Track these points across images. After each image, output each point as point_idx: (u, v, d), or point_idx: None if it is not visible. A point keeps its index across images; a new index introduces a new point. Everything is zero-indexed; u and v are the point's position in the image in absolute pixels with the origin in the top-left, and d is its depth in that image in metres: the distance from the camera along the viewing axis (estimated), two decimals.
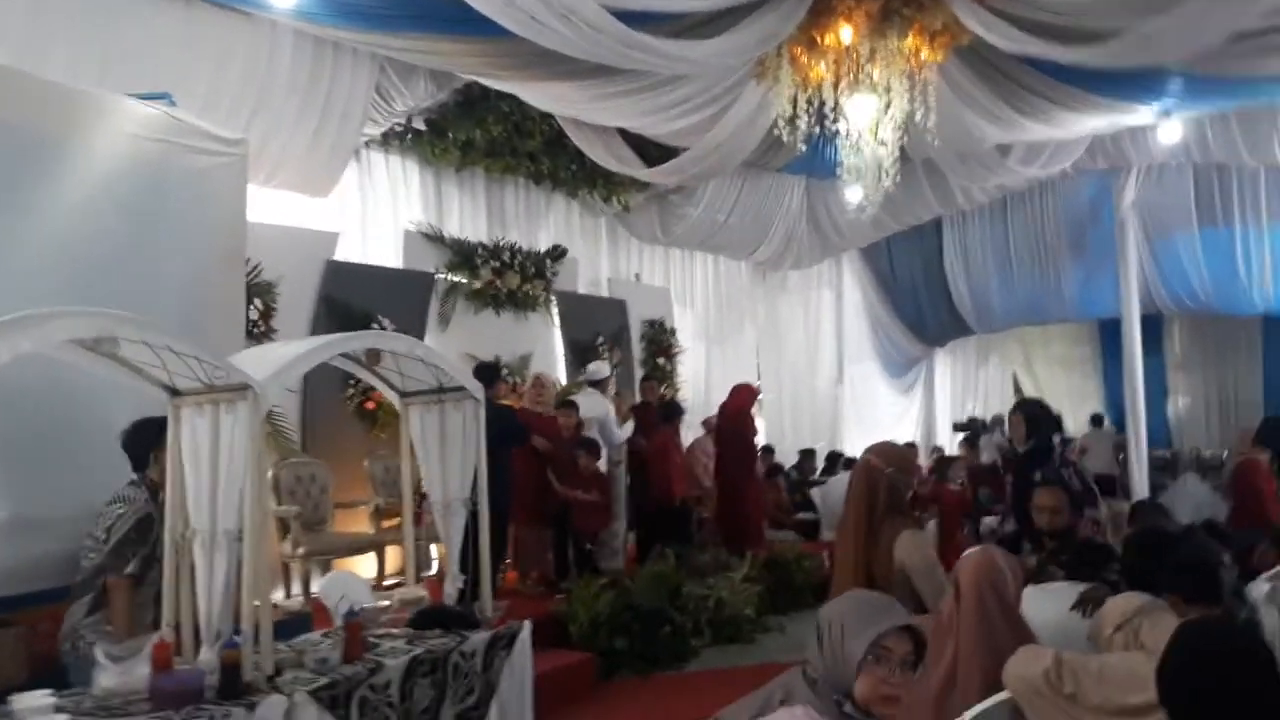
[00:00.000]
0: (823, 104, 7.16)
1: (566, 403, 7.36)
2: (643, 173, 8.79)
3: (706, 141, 8.21)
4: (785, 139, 7.47)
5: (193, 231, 4.57)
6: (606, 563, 7.34)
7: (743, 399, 8.61)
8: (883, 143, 7.39)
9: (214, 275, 4.72)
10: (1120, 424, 12.20)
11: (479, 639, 3.93)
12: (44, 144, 4.00)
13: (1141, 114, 8.76)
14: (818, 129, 7.41)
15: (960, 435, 11.99)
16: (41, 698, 2.90)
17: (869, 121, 7.24)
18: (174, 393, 3.47)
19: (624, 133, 8.31)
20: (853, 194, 9.15)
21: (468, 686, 3.80)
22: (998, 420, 11.33)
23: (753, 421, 8.76)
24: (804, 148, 7.80)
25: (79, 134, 4.14)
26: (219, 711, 2.95)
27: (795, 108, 7.29)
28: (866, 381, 14.30)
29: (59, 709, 2.85)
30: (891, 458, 3.50)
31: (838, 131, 7.38)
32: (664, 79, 7.03)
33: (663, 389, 9.87)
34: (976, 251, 13.07)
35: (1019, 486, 5.15)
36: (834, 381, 13.87)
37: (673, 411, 8.67)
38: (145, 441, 3.70)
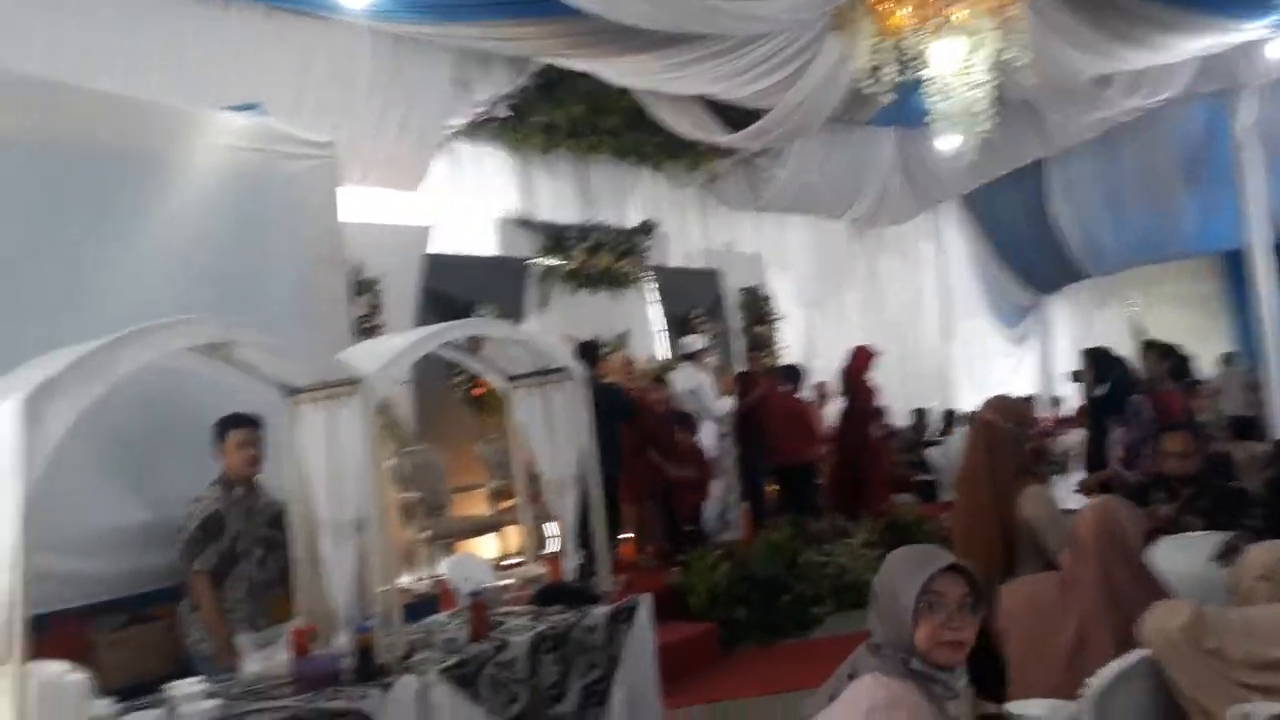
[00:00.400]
0: (907, 51, 6.92)
1: (657, 378, 7.39)
2: (725, 138, 8.68)
3: (788, 100, 8.05)
4: (870, 91, 7.26)
5: (291, 235, 4.73)
6: (719, 534, 7.36)
7: (862, 361, 8.59)
8: (974, 86, 7.11)
9: (315, 275, 4.87)
10: (1254, 362, 11.53)
11: (600, 613, 3.97)
12: (148, 163, 4.20)
13: (1251, 30, 8.20)
14: (903, 77, 7.18)
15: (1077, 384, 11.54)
16: (194, 684, 3.06)
17: (957, 65, 6.97)
18: (290, 391, 3.60)
19: (704, 100, 8.22)
20: (946, 141, 8.85)
21: (591, 661, 3.85)
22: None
23: (872, 384, 8.67)
24: (891, 97, 7.56)
25: (179, 150, 4.33)
26: (356, 693, 3.06)
27: (877, 57, 7.07)
28: (977, 335, 13.87)
29: (211, 694, 3.00)
30: (1008, 412, 3.40)
31: (924, 78, 7.13)
32: (739, 41, 6.91)
33: (763, 357, 9.79)
34: (1084, 190, 12.45)
35: (1093, 434, 4.90)
36: (942, 337, 13.50)
37: (793, 373, 8.66)
38: (216, 436, 3.84)
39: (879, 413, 9.16)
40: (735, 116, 8.60)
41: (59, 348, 2.78)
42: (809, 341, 11.31)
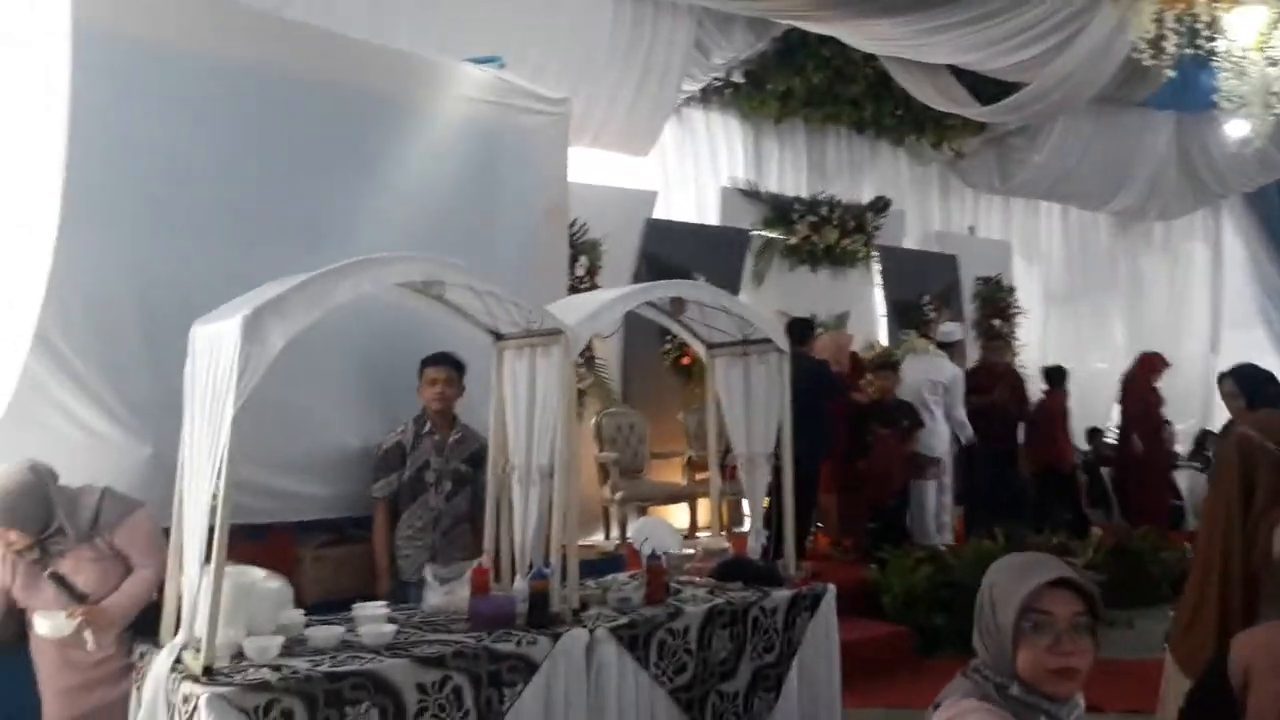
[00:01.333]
0: (1196, 20, 6.13)
1: (886, 364, 7.02)
2: (977, 112, 8.12)
3: (1051, 74, 7.39)
4: (1148, 65, 6.51)
5: (520, 188, 4.82)
6: (927, 537, 6.97)
7: (1149, 369, 8.13)
8: (1274, 62, 6.21)
9: (539, 230, 4.96)
10: None
11: (780, 596, 3.82)
12: (392, 108, 4.39)
13: None
14: (1189, 51, 6.37)
15: None
16: (377, 608, 3.21)
17: (1256, 37, 6.11)
18: (497, 336, 3.68)
19: (956, 70, 7.70)
20: (1235, 127, 7.83)
21: (767, 643, 3.71)
22: None
23: (1158, 394, 8.22)
24: (1171, 74, 6.75)
25: (421, 98, 4.50)
26: (526, 637, 3.08)
27: (1161, 27, 6.31)
28: (1247, 349, 12.30)
29: (391, 620, 3.13)
30: (1272, 429, 2.90)
31: (1214, 52, 6.30)
32: (999, 6, 6.38)
33: (1003, 351, 9.13)
34: None
35: None
36: (1207, 350, 12.12)
37: (1059, 375, 8.20)
38: (418, 373, 4.02)
39: (1162, 425, 8.59)
40: (990, 90, 8.02)
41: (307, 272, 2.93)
42: (1051, 340, 10.46)
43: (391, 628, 3.03)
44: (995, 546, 6.43)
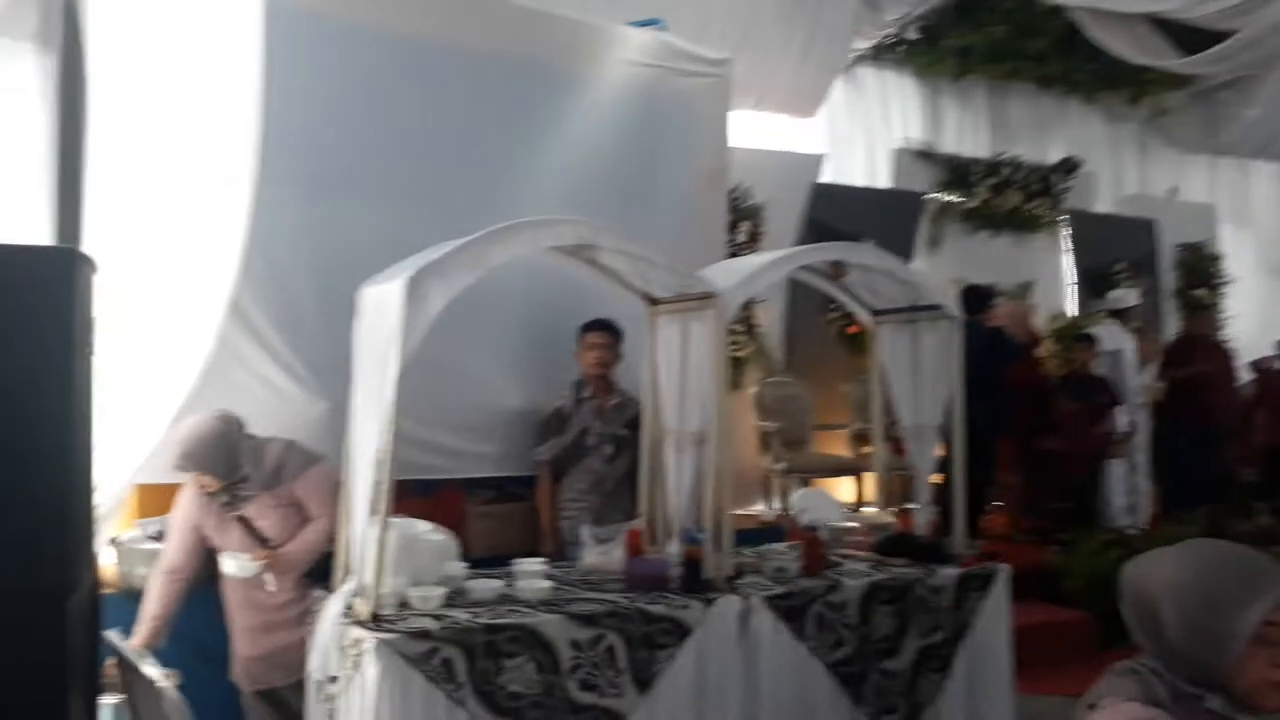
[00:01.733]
0: None
1: (1083, 336, 6.58)
2: (1179, 64, 7.43)
3: (1261, 20, 6.65)
4: None
5: (679, 152, 4.79)
6: (1116, 519, 6.50)
7: None
8: None
9: (698, 194, 4.90)
10: None
11: (948, 574, 3.64)
12: (555, 75, 4.45)
13: None
14: None
15: None
16: (536, 564, 3.27)
17: None
18: (651, 301, 3.65)
19: (1152, 20, 7.06)
20: None
21: (934, 622, 3.55)
22: None
23: None
24: None
25: (584, 63, 4.54)
26: (679, 602, 3.06)
27: None
28: None
29: (549, 576, 3.18)
30: None
31: None
32: None
33: (1206, 323, 8.39)
34: None
35: None
36: None
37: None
38: (577, 338, 4.09)
39: None
40: (1193, 40, 7.31)
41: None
42: (1266, 314, 9.51)
43: (548, 584, 3.08)
44: (1188, 532, 5.94)
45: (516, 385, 4.28)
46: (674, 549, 3.33)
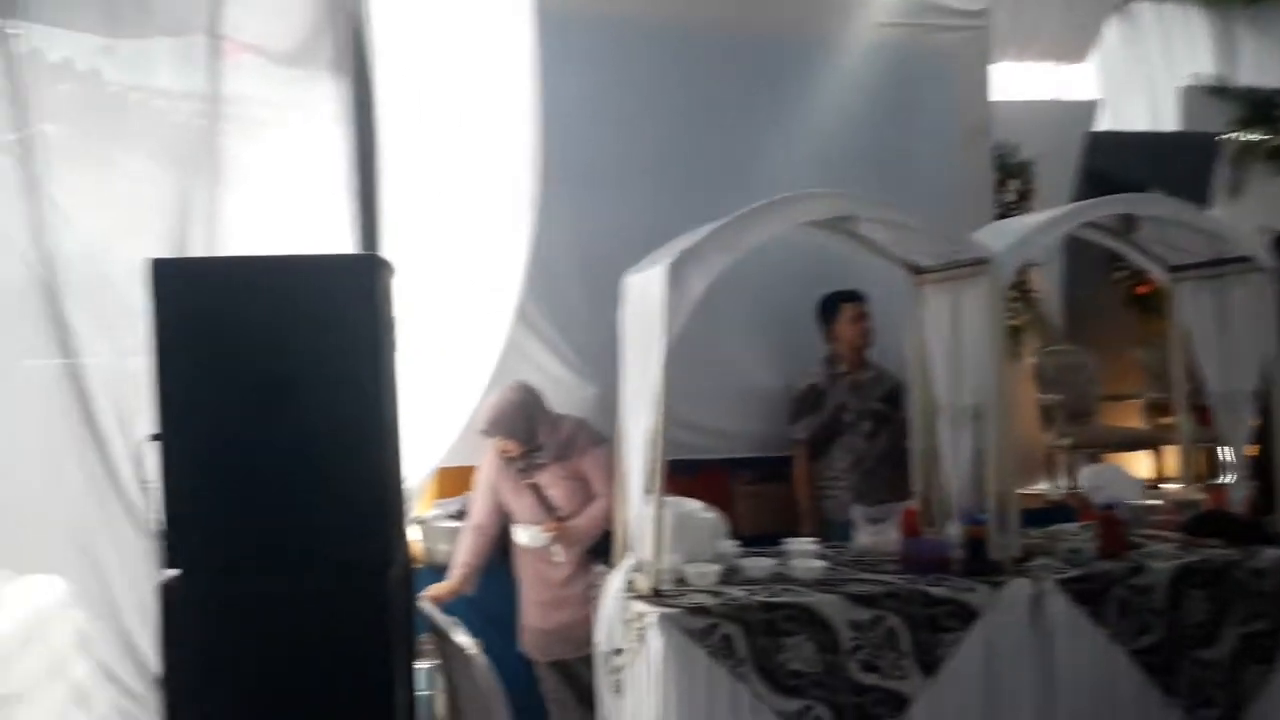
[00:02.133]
0: None
1: None
2: None
3: None
4: None
5: (937, 112, 4.62)
6: None
7: None
8: None
9: (961, 155, 4.71)
10: None
11: (1271, 556, 3.26)
12: (804, 46, 4.41)
13: None
14: None
15: None
16: (808, 544, 3.24)
17: None
18: (916, 271, 3.51)
19: None
20: None
21: (1255, 609, 3.18)
22: None
23: None
24: None
25: (833, 31, 4.46)
26: (963, 584, 2.93)
27: None
28: None
29: (822, 556, 3.15)
30: None
31: None
32: None
33: None
34: None
35: None
36: None
37: None
38: (824, 315, 4.01)
39: None
40: None
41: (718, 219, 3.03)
42: None
43: (821, 564, 3.05)
44: None
45: (770, 363, 4.28)
46: (954, 530, 3.19)
